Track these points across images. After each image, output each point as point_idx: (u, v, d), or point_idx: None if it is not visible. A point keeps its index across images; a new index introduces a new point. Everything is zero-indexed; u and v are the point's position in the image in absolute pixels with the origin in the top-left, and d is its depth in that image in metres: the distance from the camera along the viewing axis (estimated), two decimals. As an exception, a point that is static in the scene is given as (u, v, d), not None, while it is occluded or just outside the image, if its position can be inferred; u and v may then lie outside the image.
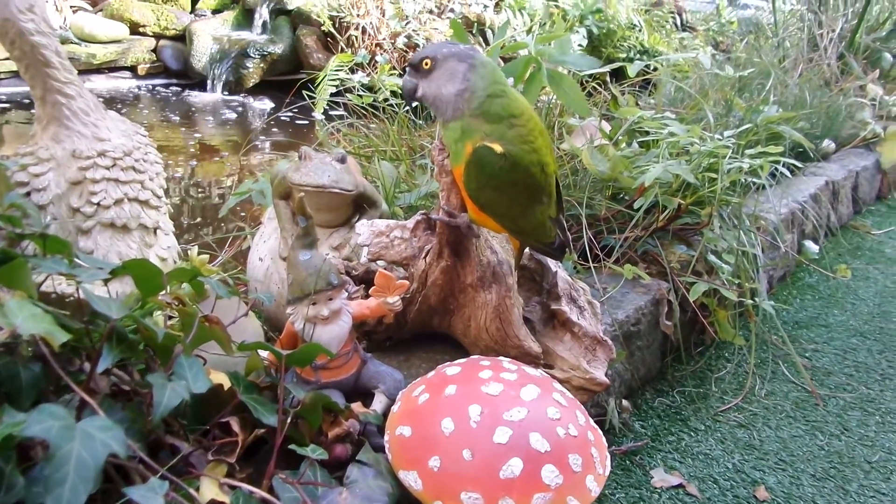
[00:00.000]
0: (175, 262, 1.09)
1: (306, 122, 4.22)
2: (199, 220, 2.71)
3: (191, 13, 5.31)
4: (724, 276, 1.43)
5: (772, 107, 2.24)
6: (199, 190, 3.14)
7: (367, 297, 1.10)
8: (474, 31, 5.27)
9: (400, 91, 2.19)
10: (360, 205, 1.28)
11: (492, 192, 0.89)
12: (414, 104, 1.11)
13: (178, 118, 4.35)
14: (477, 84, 0.88)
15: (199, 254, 1.06)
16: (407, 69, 0.92)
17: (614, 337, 1.37)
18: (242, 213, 2.14)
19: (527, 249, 1.11)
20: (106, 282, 0.77)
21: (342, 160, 1.19)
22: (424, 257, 1.04)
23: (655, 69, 3.32)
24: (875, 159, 3.32)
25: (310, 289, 0.86)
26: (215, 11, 5.36)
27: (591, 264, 1.48)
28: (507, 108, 0.87)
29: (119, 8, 5.01)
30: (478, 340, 1.07)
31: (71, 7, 5.19)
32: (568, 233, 1.03)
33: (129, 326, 0.72)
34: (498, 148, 0.86)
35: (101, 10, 5.12)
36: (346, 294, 0.92)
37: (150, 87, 4.92)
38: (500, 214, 0.92)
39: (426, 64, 0.91)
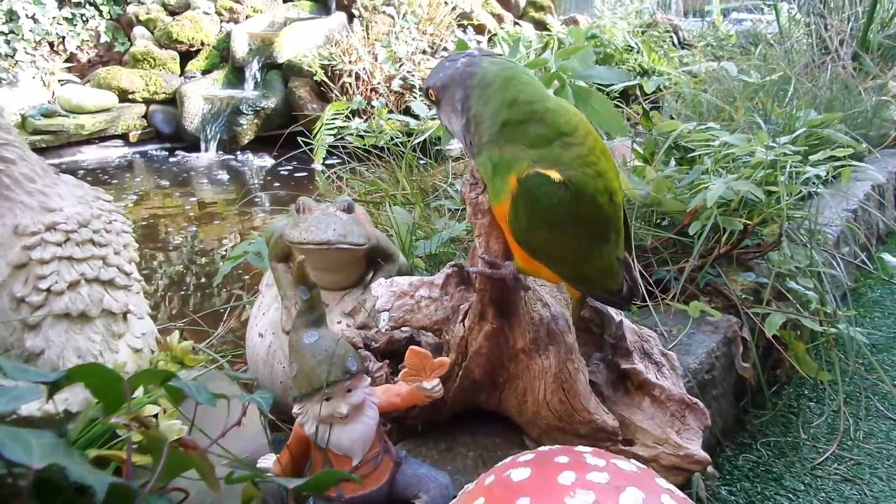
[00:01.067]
0: (153, 352, 0.88)
1: (306, 173, 4.07)
2: (198, 290, 2.52)
3: (180, 76, 5.22)
4: (812, 304, 1.21)
5: (809, 110, 2.05)
6: (201, 255, 2.96)
7: (393, 374, 0.89)
8: (470, 68, 5.15)
9: (402, 131, 2.01)
10: (374, 259, 1.08)
11: (547, 234, 0.68)
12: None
13: (173, 182, 4.20)
14: (480, 113, 0.69)
15: (181, 338, 0.85)
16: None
17: (689, 389, 1.14)
18: (246, 277, 1.94)
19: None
20: (51, 394, 0.56)
21: (348, 209, 0.99)
22: (462, 320, 0.83)
23: (662, 88, 3.15)
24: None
25: (321, 381, 0.65)
26: (205, 72, 5.28)
27: (649, 303, 1.26)
28: (554, 125, 0.67)
29: (106, 77, 4.92)
30: (537, 418, 0.85)
31: (59, 81, 5.12)
32: (637, 275, 0.82)
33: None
34: (555, 175, 0.65)
35: (88, 81, 5.04)
36: (369, 380, 0.70)
37: (143, 153, 4.80)
38: (558, 260, 0.72)
39: (431, 96, 0.75)
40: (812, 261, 1.34)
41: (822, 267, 1.33)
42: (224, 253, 2.97)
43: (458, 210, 1.53)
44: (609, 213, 0.70)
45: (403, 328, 0.91)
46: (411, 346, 0.70)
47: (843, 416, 1.39)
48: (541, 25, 6.23)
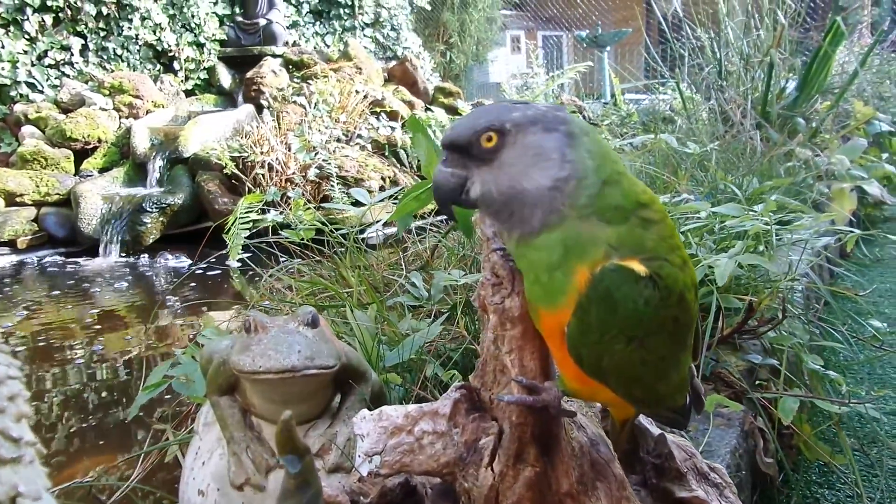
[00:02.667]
0: (55, 547, 0.63)
1: (220, 272, 3.77)
2: (105, 419, 2.16)
3: (75, 175, 4.85)
4: (843, 385, 1.09)
5: (752, 178, 2.03)
6: (106, 376, 2.59)
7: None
8: (387, 153, 5.08)
9: (334, 221, 1.81)
10: (343, 381, 0.87)
11: (623, 348, 0.51)
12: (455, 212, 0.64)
13: (70, 291, 3.79)
14: (585, 167, 0.53)
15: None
16: (444, 154, 0.55)
17: (721, 501, 0.97)
18: (171, 404, 1.64)
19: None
20: None
21: (313, 323, 0.79)
22: (489, 464, 0.63)
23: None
24: (829, 220, 3.21)
25: None
26: (103, 170, 4.94)
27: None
28: (632, 193, 0.52)
29: (-10, 180, 4.50)
30: (592, 583, 0.65)
31: (-66, 187, 4.63)
32: (698, 381, 0.65)
33: None
34: (639, 269, 0.49)
35: (-31, 186, 4.59)
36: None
37: (33, 260, 4.36)
38: (631, 380, 0.54)
39: (489, 140, 0.54)
40: (812, 334, 1.23)
41: (824, 340, 1.22)
42: (134, 372, 2.61)
43: (416, 307, 1.34)
44: (695, 313, 0.53)
45: (402, 473, 0.70)
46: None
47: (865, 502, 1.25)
48: (451, 110, 6.30)
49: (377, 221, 1.77)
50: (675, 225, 0.54)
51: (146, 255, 4.33)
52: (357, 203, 1.54)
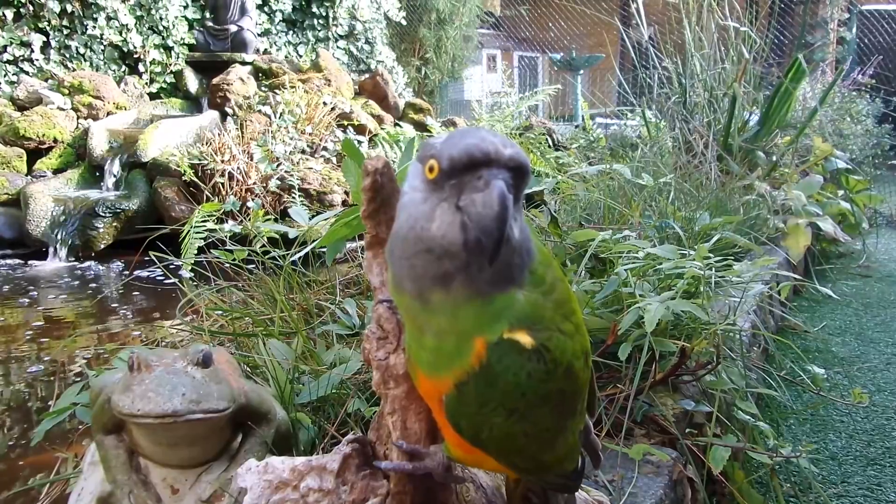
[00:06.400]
0: None
1: (173, 282, 3.66)
2: (30, 429, 2.06)
3: (27, 175, 4.70)
4: (770, 439, 1.06)
5: (703, 213, 2.03)
6: (43, 382, 2.47)
7: None
8: (352, 167, 5.02)
9: (278, 236, 1.74)
10: (243, 422, 0.82)
11: (504, 420, 0.47)
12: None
13: (14, 294, 3.65)
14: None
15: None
16: (502, 174, 0.44)
17: (642, 556, 0.93)
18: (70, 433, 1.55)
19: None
20: None
21: (205, 362, 0.73)
22: (370, 531, 0.58)
23: (554, 191, 3.13)
24: (784, 254, 3.24)
25: None
26: (57, 171, 4.79)
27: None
28: (545, 253, 0.48)
29: (-65, 177, 4.34)
30: None
31: None
32: (595, 437, 0.62)
33: None
34: (526, 341, 0.45)
35: (-87, 182, 4.42)
36: None
37: (-25, 261, 4.20)
38: (513, 451, 0.50)
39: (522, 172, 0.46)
40: (748, 380, 1.21)
41: (760, 387, 1.20)
42: (63, 377, 2.51)
43: (350, 335, 1.29)
44: (583, 381, 0.49)
45: (284, 533, 0.64)
46: None
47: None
48: (420, 126, 6.28)
49: (309, 242, 1.70)
50: (566, 285, 0.50)
51: (90, 261, 4.20)
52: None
